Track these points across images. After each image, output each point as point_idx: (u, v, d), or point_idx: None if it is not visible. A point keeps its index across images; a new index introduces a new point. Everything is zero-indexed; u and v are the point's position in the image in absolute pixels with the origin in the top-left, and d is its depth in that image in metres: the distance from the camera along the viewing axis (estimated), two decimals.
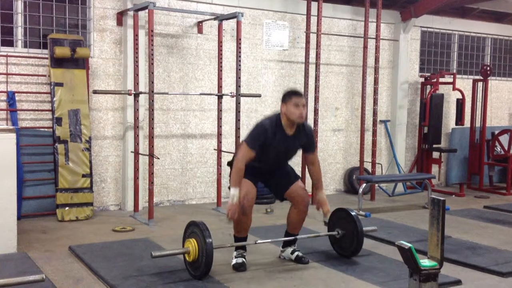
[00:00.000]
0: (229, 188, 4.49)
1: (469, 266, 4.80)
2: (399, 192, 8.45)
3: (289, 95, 4.46)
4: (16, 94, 6.37)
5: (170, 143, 7.35)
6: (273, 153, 4.54)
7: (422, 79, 9.27)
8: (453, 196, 8.65)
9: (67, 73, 6.50)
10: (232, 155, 6.69)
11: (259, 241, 4.85)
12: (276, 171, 4.75)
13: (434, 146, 9.05)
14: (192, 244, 4.28)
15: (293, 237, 4.84)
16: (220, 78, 7.09)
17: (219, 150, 7.14)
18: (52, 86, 6.44)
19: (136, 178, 6.63)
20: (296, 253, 4.86)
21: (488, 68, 9.20)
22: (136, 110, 6.57)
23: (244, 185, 4.44)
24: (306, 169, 5.13)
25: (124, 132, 6.97)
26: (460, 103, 9.09)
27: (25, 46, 6.54)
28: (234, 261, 4.62)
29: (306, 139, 4.64)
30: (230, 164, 4.78)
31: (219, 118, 7.12)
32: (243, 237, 4.69)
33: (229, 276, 4.44)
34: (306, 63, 7.82)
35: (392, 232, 5.95)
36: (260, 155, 4.46)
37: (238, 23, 6.83)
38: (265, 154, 4.50)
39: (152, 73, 6.20)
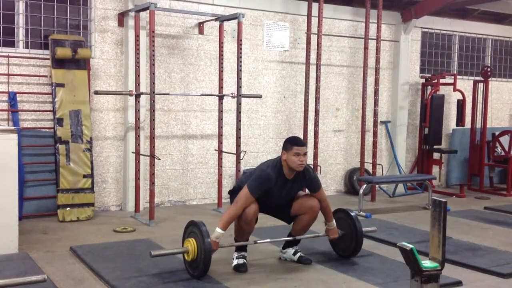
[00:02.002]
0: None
1: (470, 267, 4.80)
2: (400, 193, 8.46)
3: (291, 145, 4.48)
4: (17, 94, 6.38)
5: (171, 144, 7.36)
6: (273, 197, 4.61)
7: (423, 80, 9.28)
8: (454, 197, 8.65)
9: (68, 74, 6.51)
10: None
11: (259, 241, 4.86)
12: (276, 206, 4.80)
13: (435, 147, 9.05)
14: (191, 244, 4.30)
15: (293, 238, 4.84)
16: (221, 79, 7.10)
17: (220, 151, 7.14)
18: (53, 87, 6.45)
19: (137, 178, 6.63)
20: (299, 253, 4.87)
21: (489, 69, 9.20)
22: (137, 111, 6.58)
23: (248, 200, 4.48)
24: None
25: (125, 133, 6.98)
26: (460, 104, 9.10)
27: (27, 47, 6.55)
28: (235, 261, 4.63)
29: (306, 183, 4.68)
30: (230, 192, 4.82)
31: (220, 119, 7.12)
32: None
33: (229, 276, 4.45)
34: (307, 64, 7.83)
35: (392, 233, 5.96)
36: (260, 198, 4.52)
37: (239, 24, 6.84)
38: (265, 197, 4.56)
39: (153, 73, 6.21)
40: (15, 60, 6.40)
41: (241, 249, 4.69)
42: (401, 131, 9.09)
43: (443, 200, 3.14)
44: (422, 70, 9.56)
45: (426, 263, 3.16)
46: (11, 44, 6.48)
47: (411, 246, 3.14)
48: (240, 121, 6.93)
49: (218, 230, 4.34)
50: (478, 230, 6.33)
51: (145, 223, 6.28)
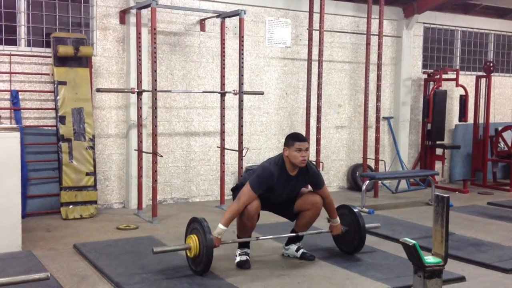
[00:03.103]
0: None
1: (473, 262, 4.80)
2: (403, 189, 8.45)
3: (292, 140, 4.48)
4: (19, 92, 6.39)
5: (173, 141, 7.36)
6: (276, 193, 4.61)
7: (425, 76, 9.26)
8: (457, 192, 8.64)
9: (71, 72, 6.52)
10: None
11: (261, 238, 4.86)
12: (279, 203, 4.80)
13: (438, 142, 9.03)
14: (193, 240, 4.31)
15: (296, 234, 4.84)
16: (222, 76, 7.09)
17: (222, 148, 7.14)
18: (55, 85, 6.46)
19: (139, 176, 6.64)
20: (302, 250, 4.87)
21: (491, 64, 9.18)
22: (139, 108, 6.59)
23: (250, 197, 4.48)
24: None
25: (127, 130, 6.98)
26: (463, 100, 9.08)
27: (28, 45, 6.56)
28: (238, 258, 4.64)
29: (309, 179, 4.68)
30: (233, 189, 4.82)
31: (222, 116, 7.12)
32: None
33: (232, 273, 4.45)
34: (309, 60, 7.81)
35: (395, 229, 5.96)
36: (263, 195, 4.53)
37: (241, 21, 6.83)
38: (267, 194, 4.56)
39: (155, 71, 6.21)
40: (17, 58, 6.41)
41: (243, 246, 4.69)
42: (403, 127, 9.07)
43: (446, 195, 3.14)
44: (424, 66, 9.54)
45: (429, 259, 3.16)
46: (13, 42, 6.49)
47: (413, 241, 3.14)
48: (242, 118, 6.92)
49: (220, 226, 4.35)
50: (481, 226, 6.32)
51: (148, 221, 6.29)
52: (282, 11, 8.05)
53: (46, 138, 6.53)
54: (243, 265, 4.58)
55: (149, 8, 6.28)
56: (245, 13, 6.84)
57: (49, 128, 6.57)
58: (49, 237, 5.53)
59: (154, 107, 6.25)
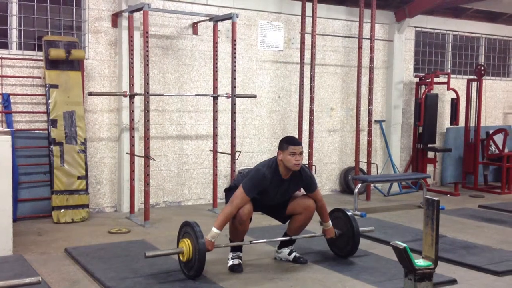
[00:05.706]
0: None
1: (464, 265, 4.82)
2: (395, 192, 8.48)
3: (286, 144, 4.47)
4: (11, 96, 6.36)
5: (165, 144, 7.35)
6: (269, 196, 4.61)
7: (417, 79, 9.30)
8: (448, 195, 8.68)
9: (62, 75, 6.50)
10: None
11: (254, 241, 4.86)
12: (271, 205, 4.81)
13: (429, 145, 9.08)
14: (186, 244, 4.30)
15: (289, 237, 4.85)
16: (215, 79, 7.09)
17: (215, 151, 7.14)
18: (47, 88, 6.43)
19: (131, 179, 6.62)
20: (294, 253, 4.88)
21: (482, 68, 9.24)
22: (131, 112, 6.57)
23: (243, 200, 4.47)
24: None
25: (119, 134, 6.96)
26: (454, 103, 9.13)
27: (20, 48, 6.53)
28: (230, 262, 4.63)
29: (302, 183, 4.68)
30: (226, 190, 4.82)
31: (215, 119, 7.12)
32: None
33: (225, 276, 4.45)
34: (301, 63, 7.83)
35: (387, 232, 5.97)
36: (256, 197, 4.52)
37: (233, 24, 6.84)
38: (260, 197, 4.56)
39: (147, 74, 6.21)
40: (8, 62, 6.39)
41: (236, 249, 4.69)
42: (395, 130, 9.11)
43: (436, 198, 3.16)
44: (416, 69, 9.59)
45: (419, 262, 3.18)
46: (4, 45, 6.46)
47: (404, 245, 3.16)
48: (234, 121, 6.92)
49: (214, 229, 4.35)
50: (472, 228, 6.35)
51: (140, 224, 6.27)
52: (274, 15, 8.07)
53: (38, 142, 6.50)
54: (235, 269, 4.57)
55: (141, 12, 6.28)
56: (237, 17, 6.85)
57: (41, 131, 6.54)
58: (40, 241, 5.50)
59: (147, 111, 6.24)
